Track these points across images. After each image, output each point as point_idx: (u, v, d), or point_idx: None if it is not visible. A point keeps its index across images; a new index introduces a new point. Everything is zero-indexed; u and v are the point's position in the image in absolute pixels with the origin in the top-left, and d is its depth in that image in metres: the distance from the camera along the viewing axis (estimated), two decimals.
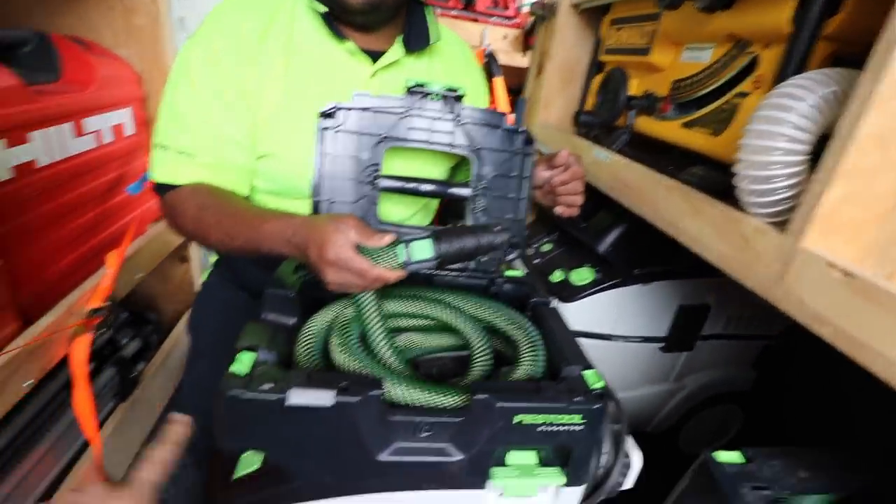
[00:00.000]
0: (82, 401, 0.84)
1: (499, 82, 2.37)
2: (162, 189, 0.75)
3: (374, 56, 0.80)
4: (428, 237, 0.60)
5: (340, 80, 0.79)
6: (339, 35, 0.76)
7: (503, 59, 2.39)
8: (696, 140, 0.79)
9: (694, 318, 1.10)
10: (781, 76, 0.63)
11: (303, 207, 0.76)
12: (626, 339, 1.08)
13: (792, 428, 1.24)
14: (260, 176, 0.79)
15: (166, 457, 0.43)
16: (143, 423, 1.27)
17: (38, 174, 0.85)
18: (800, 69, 0.62)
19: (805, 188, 0.48)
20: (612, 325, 1.07)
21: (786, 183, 0.50)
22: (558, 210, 0.83)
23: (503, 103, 2.31)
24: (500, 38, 2.45)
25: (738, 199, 0.56)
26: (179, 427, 0.46)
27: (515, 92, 2.84)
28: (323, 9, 0.74)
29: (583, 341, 1.06)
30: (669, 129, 0.87)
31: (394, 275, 0.58)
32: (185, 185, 0.73)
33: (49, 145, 0.88)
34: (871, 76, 0.43)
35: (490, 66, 2.38)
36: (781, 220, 0.52)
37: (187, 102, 0.72)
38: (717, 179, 0.71)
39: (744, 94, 0.71)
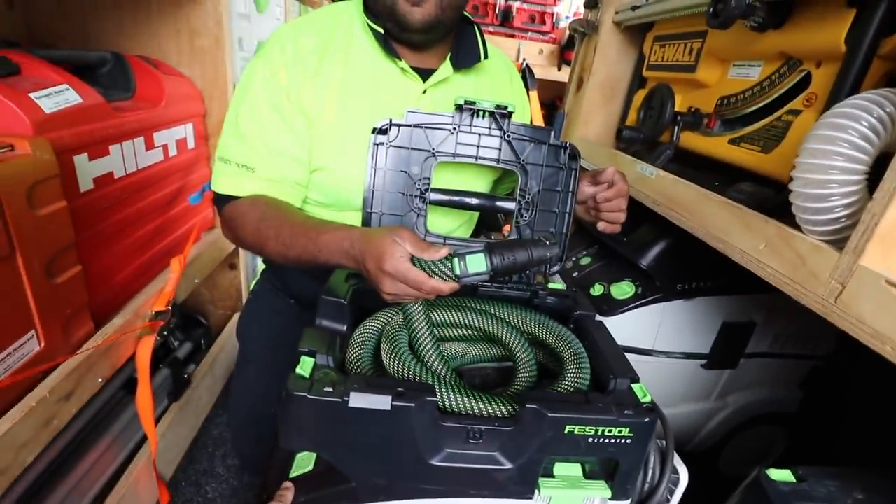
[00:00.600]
0: (145, 398, 0.90)
1: (533, 96, 2.40)
2: (221, 200, 0.79)
3: (425, 74, 0.84)
4: (481, 251, 0.62)
5: (393, 98, 0.83)
6: (394, 54, 0.80)
7: (539, 73, 2.42)
8: (744, 157, 0.79)
9: (738, 335, 1.08)
10: (835, 95, 0.63)
11: (352, 219, 0.80)
12: (667, 354, 1.07)
13: (841, 452, 1.19)
14: (312, 188, 0.83)
15: None
16: (191, 423, 1.33)
17: (114, 185, 0.93)
18: (855, 88, 0.62)
19: (863, 207, 0.48)
20: (652, 340, 1.06)
21: (843, 202, 0.51)
22: (601, 226, 0.84)
23: (537, 117, 2.34)
24: (536, 53, 2.48)
25: (794, 216, 0.56)
26: (289, 493, 0.54)
27: (548, 105, 2.86)
28: (380, 29, 0.79)
29: None
30: (715, 146, 0.87)
31: (448, 287, 0.60)
32: (244, 198, 0.77)
33: (124, 158, 0.95)
34: None
35: (525, 80, 2.41)
36: (838, 239, 0.52)
37: (249, 119, 0.77)
38: (766, 196, 0.71)
39: (796, 112, 0.71)
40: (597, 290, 1.10)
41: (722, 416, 1.18)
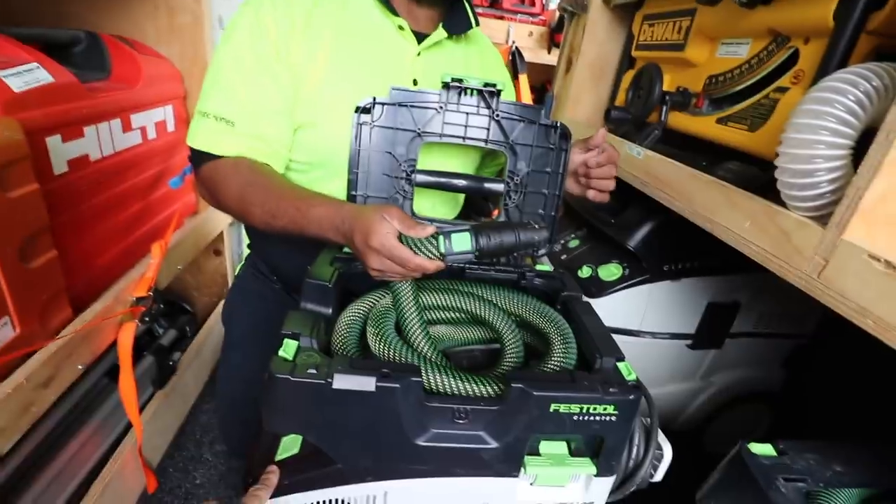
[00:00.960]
0: (127, 385, 0.89)
1: (523, 79, 2.37)
2: (199, 158, 0.76)
3: (419, 37, 0.83)
4: (467, 230, 0.61)
5: (387, 56, 0.81)
6: (393, 10, 0.79)
7: (528, 55, 2.39)
8: (732, 136, 0.79)
9: (723, 315, 1.09)
10: (823, 71, 0.63)
11: (338, 188, 0.78)
12: (653, 335, 1.08)
13: (822, 429, 1.22)
14: (297, 148, 0.79)
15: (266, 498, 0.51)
16: (178, 410, 1.32)
17: (90, 168, 0.90)
18: (842, 64, 0.62)
19: (848, 182, 0.48)
20: (639, 321, 1.07)
21: (828, 177, 0.50)
22: (591, 195, 0.83)
23: (527, 99, 2.32)
24: (525, 35, 2.45)
25: (779, 193, 0.56)
26: (274, 476, 0.54)
27: (538, 89, 2.83)
28: None
29: None
30: (703, 125, 0.87)
31: (433, 265, 0.60)
32: (224, 158, 0.74)
33: (101, 140, 0.92)
34: None
35: (515, 62, 2.39)
36: (822, 215, 0.52)
37: (231, 70, 0.74)
38: (753, 175, 0.71)
39: (783, 90, 0.70)
40: (585, 272, 1.10)
41: (707, 394, 1.20)
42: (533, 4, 2.52)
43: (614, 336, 1.10)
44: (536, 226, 0.65)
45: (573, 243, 1.22)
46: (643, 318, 1.06)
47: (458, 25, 0.85)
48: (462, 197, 1.01)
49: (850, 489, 0.55)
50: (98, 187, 0.93)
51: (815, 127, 0.50)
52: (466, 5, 0.87)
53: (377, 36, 0.80)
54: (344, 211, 0.64)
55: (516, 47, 2.36)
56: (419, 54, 0.83)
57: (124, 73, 1.03)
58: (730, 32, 0.83)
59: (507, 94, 0.99)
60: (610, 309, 1.05)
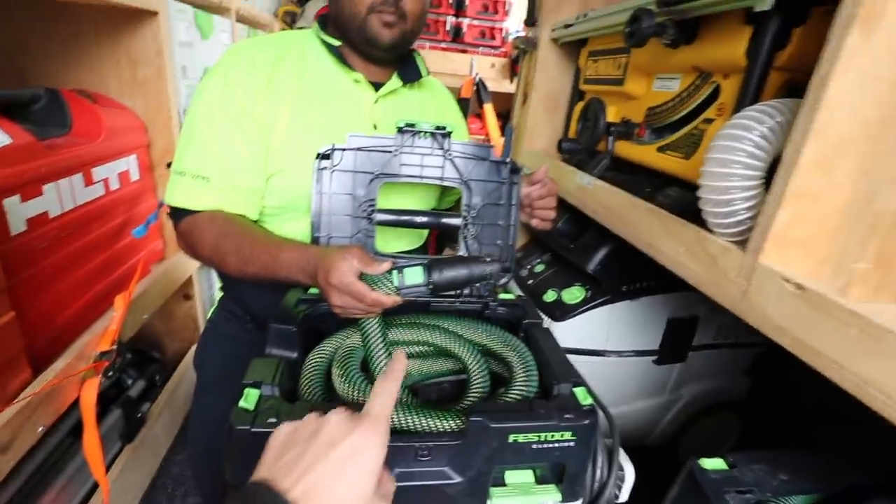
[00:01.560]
0: (92, 444, 0.87)
1: (488, 109, 2.45)
2: (178, 215, 0.81)
3: (376, 87, 0.90)
4: (420, 265, 0.65)
5: (347, 106, 0.88)
6: (349, 66, 0.86)
7: (492, 85, 2.49)
8: (670, 163, 0.84)
9: (684, 329, 1.13)
10: (740, 104, 0.68)
11: (304, 226, 0.83)
12: (619, 353, 1.11)
13: (787, 434, 1.25)
14: (269, 193, 0.85)
15: (395, 389, 0.46)
16: (149, 464, 1.28)
17: (50, 225, 0.90)
18: (756, 97, 0.68)
19: (761, 209, 0.52)
20: (604, 341, 1.10)
21: (744, 205, 0.55)
22: (534, 223, 0.92)
23: (493, 128, 2.39)
24: (488, 67, 2.55)
25: (704, 219, 0.60)
26: (400, 364, 0.49)
27: (504, 116, 2.93)
28: (337, 43, 0.86)
29: (578, 358, 1.10)
30: (646, 153, 0.92)
31: (389, 299, 0.64)
32: (202, 212, 0.79)
33: (61, 196, 0.92)
34: (808, 108, 0.48)
35: (479, 93, 2.47)
36: (743, 240, 0.56)
37: (204, 129, 0.79)
38: (689, 200, 0.75)
39: (710, 121, 0.76)
40: (550, 296, 1.13)
41: (677, 408, 1.23)
42: (493, 38, 2.63)
43: (581, 357, 1.14)
44: (488, 259, 0.69)
45: (539, 268, 1.26)
46: (608, 337, 1.09)
47: (410, 75, 0.93)
48: (426, 232, 1.05)
49: (797, 496, 0.58)
50: (58, 243, 0.93)
51: (728, 161, 0.55)
52: (417, 60, 0.95)
53: (336, 88, 0.87)
54: (309, 253, 0.69)
55: (480, 79, 2.45)
56: (377, 101, 0.89)
57: (85, 127, 1.04)
58: (661, 69, 0.90)
59: (461, 131, 1.05)
60: (575, 331, 1.08)
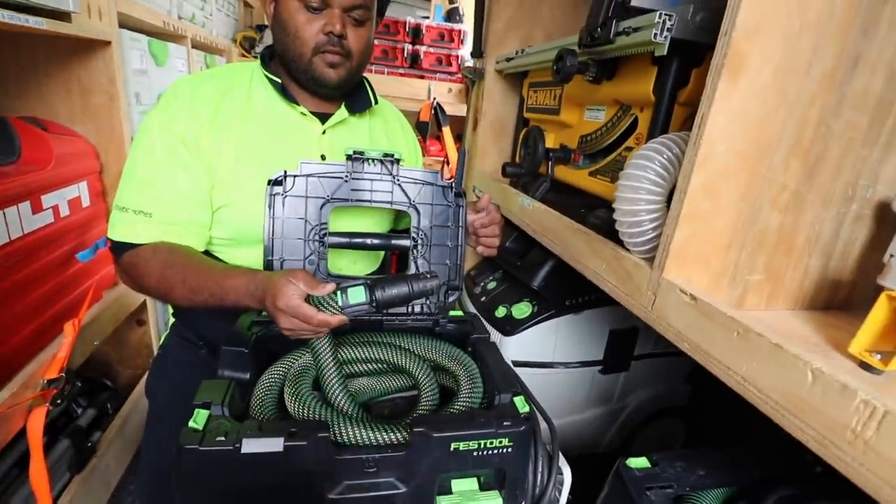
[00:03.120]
0: (38, 474, 0.85)
1: (446, 131, 2.54)
2: (119, 249, 0.80)
3: (323, 118, 0.92)
4: (362, 284, 0.69)
5: (293, 138, 0.90)
6: (293, 101, 0.88)
7: (449, 109, 2.58)
8: (599, 187, 0.92)
9: (625, 340, 1.21)
10: (651, 135, 0.77)
11: (256, 254, 0.84)
12: (566, 365, 1.17)
13: (723, 435, 1.34)
14: (217, 225, 0.86)
15: None
16: (98, 495, 1.24)
17: None
18: (665, 129, 0.76)
19: (663, 230, 0.59)
20: (552, 353, 1.16)
21: (651, 225, 0.62)
22: (479, 250, 0.94)
23: (451, 149, 2.48)
24: (445, 92, 2.64)
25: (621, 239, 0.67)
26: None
27: (461, 137, 3.03)
28: (277, 80, 0.87)
29: (528, 371, 1.15)
30: (580, 177, 1.00)
31: (335, 319, 0.66)
32: (144, 246, 0.79)
33: (9, 224, 0.92)
34: (693, 143, 0.55)
35: (437, 116, 2.56)
36: (651, 256, 0.63)
37: (146, 165, 0.80)
38: (615, 221, 0.83)
39: (630, 149, 0.84)
40: (500, 311, 1.19)
41: (625, 415, 1.30)
42: (450, 64, 2.74)
43: (531, 370, 1.19)
44: (428, 275, 0.73)
45: (491, 285, 1.31)
46: (555, 350, 1.15)
47: (359, 104, 0.95)
48: (381, 254, 1.08)
49: (713, 490, 0.64)
50: (6, 271, 0.92)
51: (635, 187, 0.62)
52: (367, 86, 0.98)
53: (282, 122, 0.89)
54: (257, 278, 0.71)
55: (438, 103, 2.54)
56: (324, 132, 0.92)
57: (34, 155, 1.04)
58: (589, 101, 0.98)
59: (415, 155, 1.10)
60: (525, 345, 1.13)
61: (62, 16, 1.01)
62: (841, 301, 0.69)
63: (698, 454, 0.69)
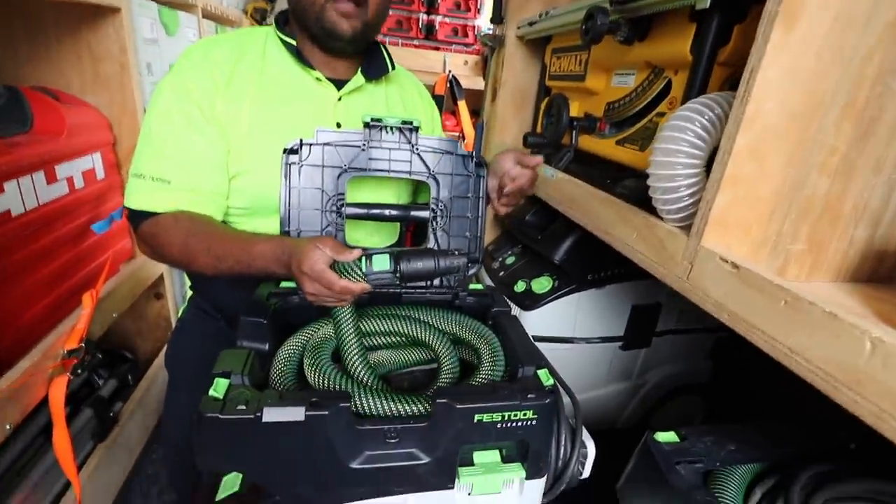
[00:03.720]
0: (62, 442, 0.86)
1: (462, 106, 2.48)
2: (137, 218, 0.79)
3: (339, 84, 0.89)
4: (387, 252, 0.67)
5: (309, 105, 0.87)
6: (308, 65, 0.85)
7: (465, 83, 2.51)
8: (627, 155, 0.88)
9: (647, 316, 1.18)
10: (687, 98, 0.72)
11: (273, 224, 0.82)
12: (587, 340, 1.15)
13: (747, 413, 1.32)
14: (234, 194, 0.84)
15: None
16: (122, 463, 1.27)
17: (12, 223, 0.88)
18: (702, 91, 0.72)
19: (702, 195, 0.56)
20: (572, 328, 1.14)
21: (688, 192, 0.59)
22: (498, 207, 0.91)
23: (467, 124, 2.42)
24: (461, 64, 2.58)
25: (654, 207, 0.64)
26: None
27: (478, 113, 2.96)
28: (293, 42, 0.84)
29: (548, 346, 1.13)
30: (606, 146, 0.96)
31: (358, 287, 0.65)
32: (164, 214, 0.78)
33: (23, 194, 0.91)
34: (739, 101, 0.51)
35: (453, 90, 2.50)
36: (688, 224, 0.60)
37: (161, 132, 0.78)
38: (644, 189, 0.79)
39: (662, 114, 0.80)
40: (520, 286, 1.17)
41: (644, 391, 1.28)
42: (466, 35, 2.66)
43: (551, 345, 1.17)
44: (457, 252, 0.71)
45: (509, 260, 1.29)
46: (575, 325, 1.13)
47: (375, 70, 0.92)
48: (398, 226, 1.06)
49: (743, 465, 0.62)
50: (22, 242, 0.92)
51: (672, 150, 0.58)
52: (383, 51, 0.94)
53: (297, 88, 0.86)
54: (284, 244, 0.71)
55: (453, 76, 2.47)
56: (340, 99, 0.89)
57: (47, 124, 1.02)
58: (618, 65, 0.93)
59: (432, 124, 1.06)
60: (545, 320, 1.11)
61: None
62: (885, 273, 0.65)
63: (727, 429, 0.67)
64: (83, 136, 1.12)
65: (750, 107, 0.50)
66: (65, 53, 1.18)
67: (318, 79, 0.87)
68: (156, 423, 1.44)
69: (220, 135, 0.80)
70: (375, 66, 0.92)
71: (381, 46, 0.95)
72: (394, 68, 0.96)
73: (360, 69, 0.90)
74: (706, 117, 0.57)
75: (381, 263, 0.66)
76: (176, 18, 1.52)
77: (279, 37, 0.85)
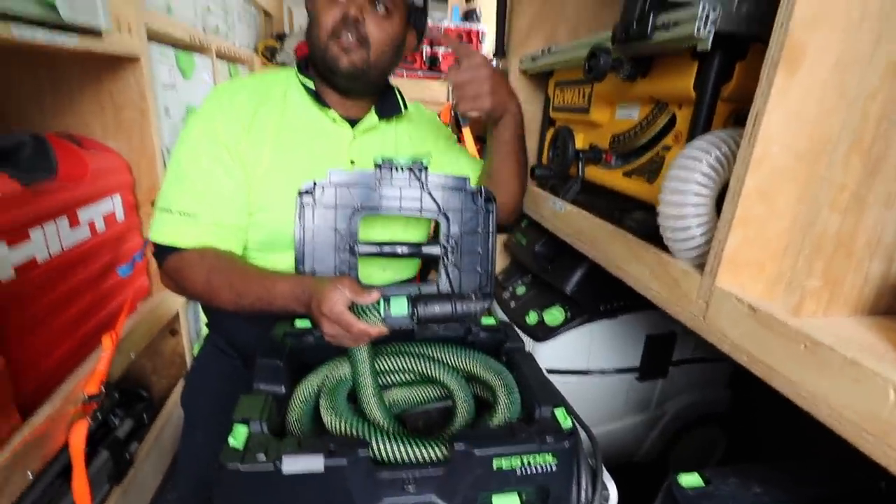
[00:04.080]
0: (81, 487, 0.86)
1: (466, 132, 2.52)
2: (163, 253, 0.82)
3: (353, 122, 0.93)
4: (405, 296, 0.68)
5: (325, 143, 0.91)
6: (324, 104, 0.89)
7: None
8: (635, 187, 0.89)
9: (663, 345, 1.16)
10: (692, 133, 0.73)
11: (289, 259, 0.84)
12: (602, 372, 1.14)
13: (766, 444, 1.28)
14: (253, 229, 0.87)
15: None
16: None
17: (38, 270, 0.91)
18: (708, 126, 0.72)
19: (714, 234, 0.56)
20: (587, 360, 1.12)
21: (699, 230, 0.59)
22: (463, 108, 0.85)
23: (471, 149, 2.46)
24: None
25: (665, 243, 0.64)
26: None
27: (482, 139, 3.00)
28: (310, 83, 0.89)
29: (562, 378, 1.12)
30: (613, 178, 0.97)
31: (375, 330, 0.66)
32: (190, 250, 0.81)
33: (48, 241, 0.94)
34: (746, 143, 0.52)
35: (457, 117, 2.53)
36: (701, 262, 0.60)
37: (190, 168, 0.82)
38: (654, 223, 0.79)
39: (668, 148, 0.81)
40: (532, 318, 1.16)
41: (663, 423, 1.25)
42: None
43: (565, 377, 1.16)
44: (474, 297, 0.71)
45: (520, 290, 1.29)
46: (590, 356, 1.12)
47: (387, 110, 0.96)
48: (415, 262, 1.07)
49: None
50: (46, 288, 0.94)
51: (681, 189, 0.59)
52: (398, 96, 0.99)
53: (315, 128, 0.90)
54: (304, 283, 0.72)
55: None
56: (355, 138, 0.93)
57: (70, 170, 1.06)
58: (622, 99, 0.95)
59: (451, 151, 1.08)
60: (558, 351, 1.10)
61: (93, 33, 1.03)
62: None
63: (751, 470, 0.66)
64: (104, 179, 1.16)
65: (757, 149, 0.51)
66: (87, 103, 1.24)
67: (333, 119, 0.91)
68: (170, 462, 1.43)
69: (243, 173, 0.84)
70: (388, 107, 0.96)
71: (395, 89, 0.99)
72: (406, 108, 1.00)
73: (373, 108, 0.94)
74: (713, 156, 0.58)
75: (399, 307, 0.67)
76: (192, 62, 1.58)
77: (299, 80, 0.91)
